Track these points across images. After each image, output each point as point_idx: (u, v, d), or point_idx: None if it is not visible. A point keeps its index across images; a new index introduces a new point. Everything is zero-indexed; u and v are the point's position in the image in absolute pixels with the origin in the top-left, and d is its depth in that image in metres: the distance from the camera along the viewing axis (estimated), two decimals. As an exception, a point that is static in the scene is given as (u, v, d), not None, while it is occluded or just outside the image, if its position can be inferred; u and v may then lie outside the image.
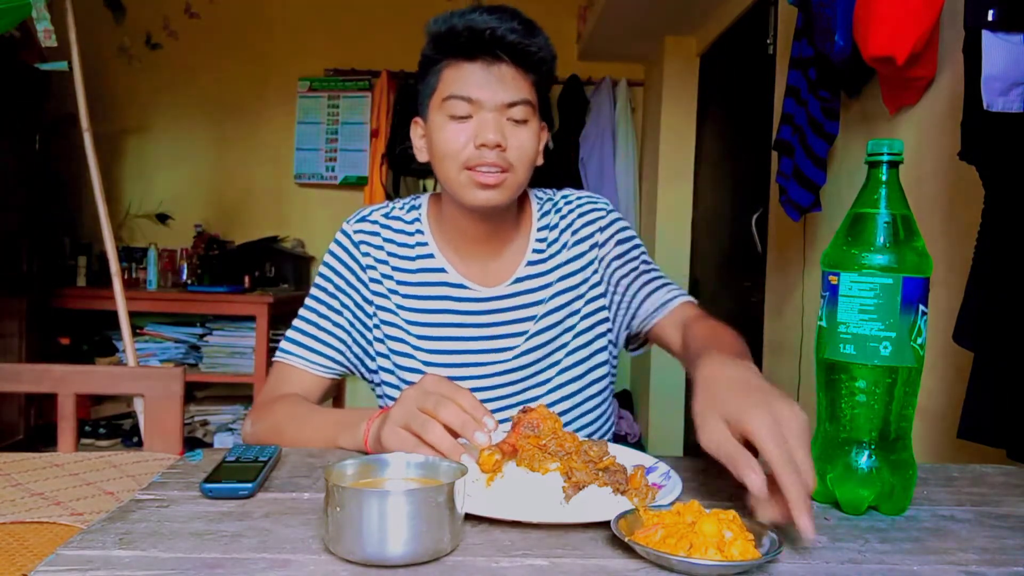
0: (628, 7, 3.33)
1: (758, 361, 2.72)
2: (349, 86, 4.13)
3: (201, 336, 3.55)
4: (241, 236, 4.02)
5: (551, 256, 1.15)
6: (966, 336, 1.31)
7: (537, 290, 1.14)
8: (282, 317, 3.80)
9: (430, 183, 4.11)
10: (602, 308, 1.17)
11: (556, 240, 1.16)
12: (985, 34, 1.24)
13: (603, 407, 1.19)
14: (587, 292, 1.16)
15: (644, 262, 1.18)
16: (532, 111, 1.03)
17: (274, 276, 3.91)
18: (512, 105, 1.01)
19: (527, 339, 1.12)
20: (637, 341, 1.22)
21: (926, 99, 1.76)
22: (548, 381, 1.13)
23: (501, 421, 0.82)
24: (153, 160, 4.15)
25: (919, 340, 0.72)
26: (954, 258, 1.58)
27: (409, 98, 4.00)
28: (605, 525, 0.67)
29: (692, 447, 3.96)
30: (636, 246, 1.19)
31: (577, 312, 1.15)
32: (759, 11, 2.89)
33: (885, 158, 0.73)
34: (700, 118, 3.79)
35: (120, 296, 2.29)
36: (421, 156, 1.09)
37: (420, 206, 1.17)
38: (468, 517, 0.65)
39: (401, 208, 1.17)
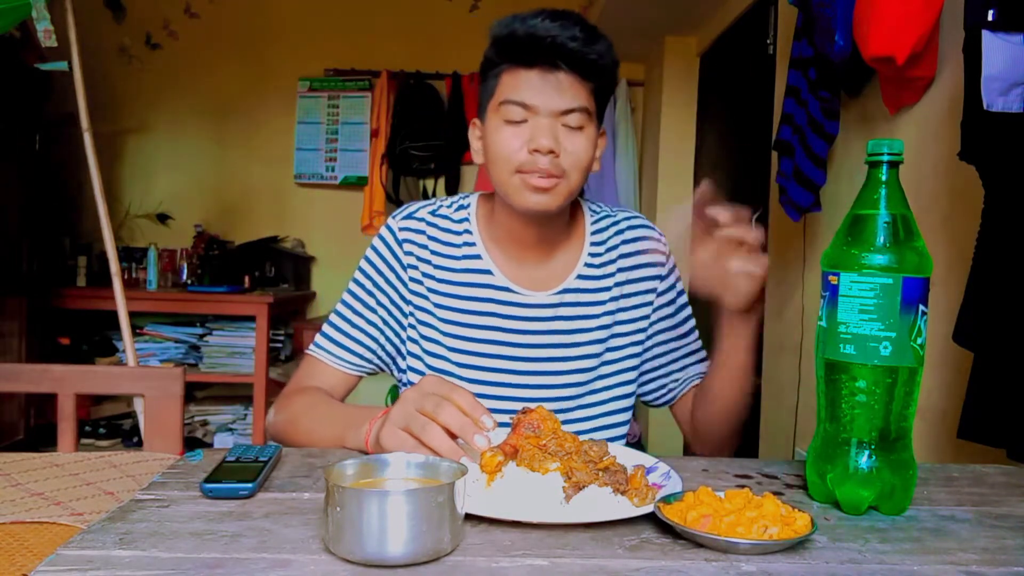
0: (628, 7, 3.33)
1: (758, 361, 2.72)
2: (349, 86, 4.12)
3: (201, 336, 3.55)
4: (241, 236, 4.02)
5: (603, 276, 1.13)
6: (966, 336, 1.31)
7: (585, 306, 1.12)
8: (282, 317, 3.81)
9: (430, 183, 4.10)
10: (636, 355, 1.16)
11: (611, 262, 1.14)
12: (985, 34, 1.24)
13: (621, 440, 1.17)
14: (634, 334, 1.15)
15: (691, 329, 1.18)
16: (589, 118, 1.02)
17: (274, 276, 3.91)
18: (568, 112, 1.00)
19: (569, 360, 1.11)
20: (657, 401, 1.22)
21: (926, 99, 1.76)
22: (581, 407, 1.12)
23: (502, 424, 0.82)
24: (153, 160, 4.15)
25: (919, 340, 0.72)
26: (954, 258, 1.58)
27: (409, 98, 4.00)
28: (605, 525, 0.67)
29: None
30: (685, 304, 1.18)
31: (619, 348, 1.14)
32: (759, 11, 2.89)
33: (885, 158, 0.73)
34: (700, 118, 3.79)
35: (120, 296, 2.29)
36: (477, 158, 1.09)
37: (469, 205, 1.15)
38: (468, 517, 0.65)
39: (449, 207, 1.15)
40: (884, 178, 0.73)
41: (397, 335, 1.12)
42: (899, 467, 0.73)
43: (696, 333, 1.18)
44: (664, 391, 1.17)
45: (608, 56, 1.02)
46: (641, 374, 1.17)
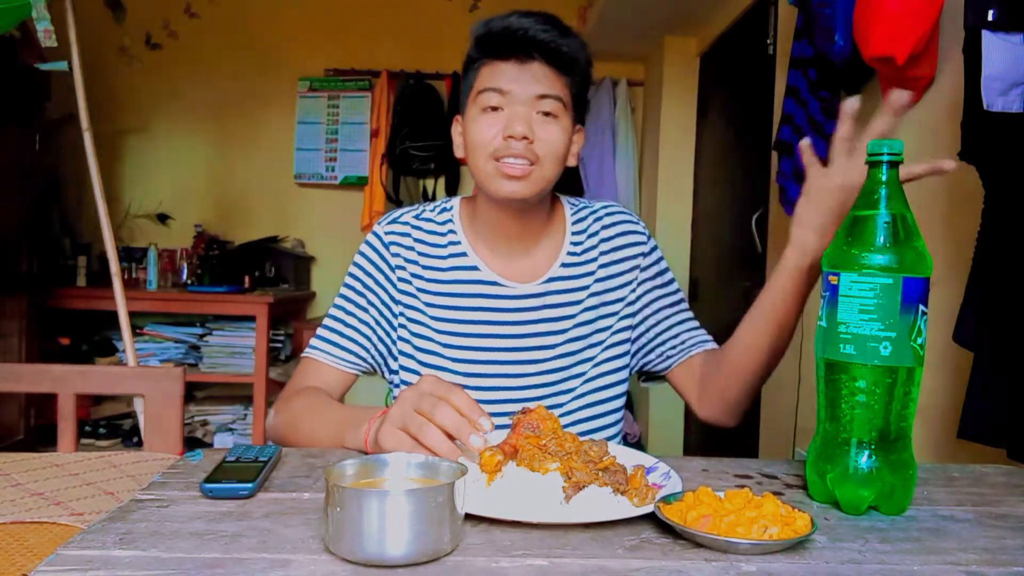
0: (628, 7, 3.33)
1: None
2: (349, 86, 4.12)
3: (201, 336, 3.55)
4: (241, 236, 4.02)
5: (586, 262, 1.17)
6: (966, 336, 1.31)
7: (570, 292, 1.15)
8: (282, 317, 3.81)
9: (430, 183, 4.10)
10: (627, 328, 1.18)
11: (593, 247, 1.17)
12: (985, 34, 1.24)
13: (617, 425, 1.20)
14: (621, 310, 1.17)
15: (682, 300, 1.20)
16: (563, 108, 1.06)
17: (274, 276, 3.91)
18: (542, 98, 1.04)
19: (557, 346, 1.13)
20: (655, 377, 1.23)
21: (926, 99, 1.76)
22: (572, 391, 1.14)
23: (502, 419, 0.82)
24: (153, 160, 4.15)
25: (919, 340, 0.72)
26: (954, 258, 1.58)
27: (409, 98, 4.00)
28: (605, 525, 0.67)
29: (692, 447, 3.94)
30: (673, 280, 1.21)
31: (608, 328, 1.16)
32: (759, 11, 2.89)
33: (885, 158, 0.73)
34: (700, 118, 3.79)
35: (120, 296, 2.29)
36: (459, 152, 1.13)
37: (452, 207, 1.19)
38: (468, 517, 0.65)
39: (432, 210, 1.19)
40: (884, 178, 0.73)
41: (388, 335, 1.15)
42: (899, 467, 0.73)
43: (686, 305, 1.20)
44: (661, 358, 1.18)
45: (581, 53, 1.07)
46: (639, 348, 1.19)
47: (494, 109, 1.05)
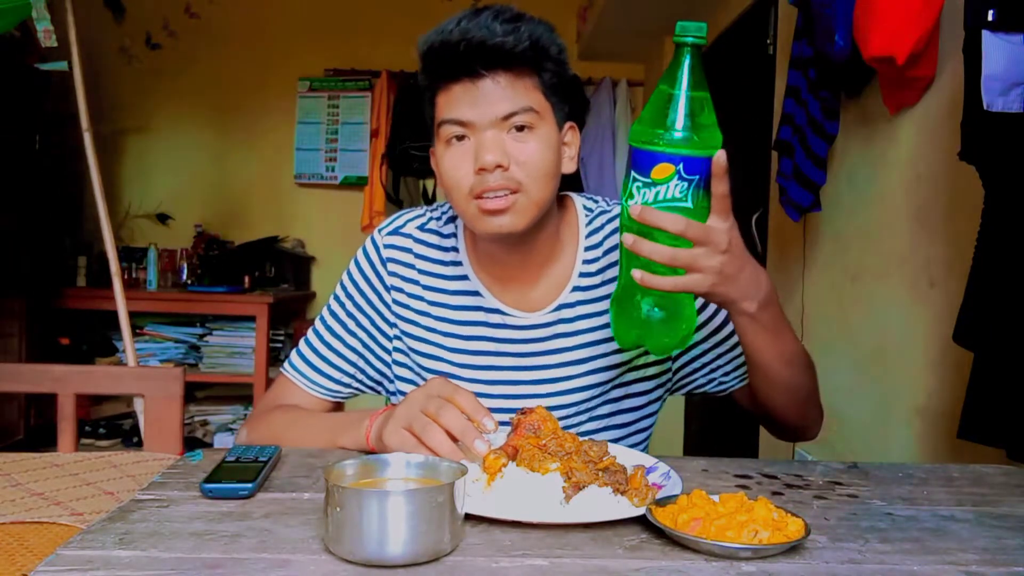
0: (628, 7, 3.33)
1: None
2: (349, 86, 4.13)
3: (201, 336, 3.55)
4: (241, 236, 4.02)
5: (603, 283, 1.02)
6: (966, 336, 1.31)
7: (586, 318, 1.01)
8: (282, 317, 3.81)
9: (430, 183, 4.10)
10: (667, 358, 1.04)
11: (612, 265, 1.02)
12: (985, 34, 1.24)
13: (644, 447, 1.09)
14: None
15: (724, 321, 1.03)
16: (538, 118, 0.91)
17: (274, 276, 3.91)
18: (510, 116, 0.89)
19: (576, 377, 1.01)
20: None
21: (926, 99, 1.76)
22: (588, 434, 1.01)
23: (503, 423, 0.82)
24: (153, 160, 4.15)
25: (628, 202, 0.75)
26: (954, 258, 1.58)
27: (409, 98, 3.99)
28: (605, 525, 0.67)
29: (692, 447, 3.92)
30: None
31: (634, 367, 1.03)
32: (759, 11, 2.89)
33: (690, 40, 0.74)
34: (700, 118, 3.78)
35: (120, 296, 2.29)
36: (441, 188, 0.98)
37: (458, 217, 1.05)
38: (468, 517, 0.66)
39: (438, 218, 1.06)
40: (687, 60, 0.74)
41: (380, 359, 1.06)
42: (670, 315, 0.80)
43: (724, 322, 1.05)
44: (713, 385, 1.06)
45: (545, 38, 0.90)
46: (681, 367, 1.06)
47: (459, 139, 0.90)
